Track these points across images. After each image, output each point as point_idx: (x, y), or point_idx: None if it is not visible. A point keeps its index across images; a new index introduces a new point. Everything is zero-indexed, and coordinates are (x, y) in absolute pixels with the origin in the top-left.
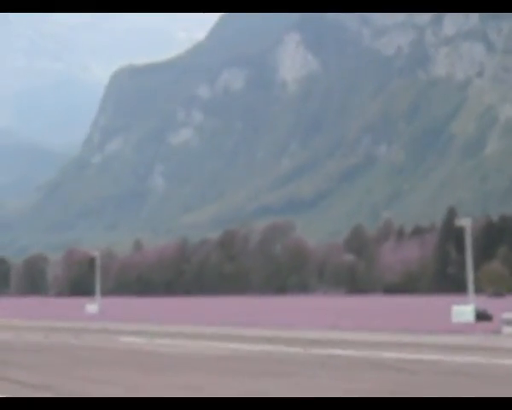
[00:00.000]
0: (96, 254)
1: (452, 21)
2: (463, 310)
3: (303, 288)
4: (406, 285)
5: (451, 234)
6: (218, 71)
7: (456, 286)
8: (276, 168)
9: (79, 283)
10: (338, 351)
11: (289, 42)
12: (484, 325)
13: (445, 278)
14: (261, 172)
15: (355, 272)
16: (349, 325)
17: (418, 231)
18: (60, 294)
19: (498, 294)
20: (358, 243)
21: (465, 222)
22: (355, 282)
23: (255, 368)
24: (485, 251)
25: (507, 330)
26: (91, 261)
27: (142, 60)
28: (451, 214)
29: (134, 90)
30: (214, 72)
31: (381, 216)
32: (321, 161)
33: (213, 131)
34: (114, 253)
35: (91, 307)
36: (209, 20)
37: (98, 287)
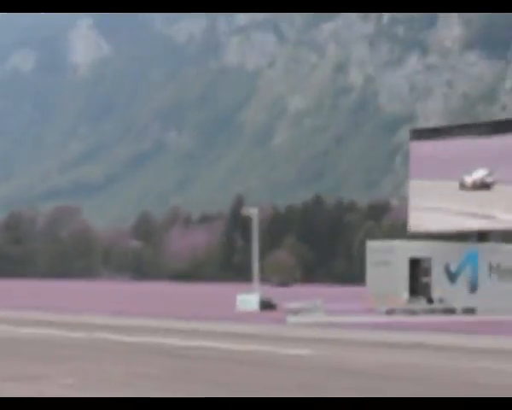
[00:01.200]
0: None
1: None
2: (248, 299)
3: (88, 273)
4: (193, 273)
5: (238, 222)
6: (8, 52)
7: (242, 275)
8: (64, 151)
9: None
10: (120, 336)
11: (82, 25)
12: (268, 313)
13: (231, 267)
14: (50, 154)
15: (141, 258)
16: (133, 310)
17: (206, 219)
18: None
19: (284, 283)
20: (145, 229)
21: (252, 211)
22: (141, 268)
23: (37, 352)
24: (271, 241)
25: (291, 319)
26: None
27: None
28: (239, 203)
29: None
30: (3, 52)
31: (170, 203)
32: (110, 146)
33: (1, 112)
34: None
35: None
36: None
37: None
